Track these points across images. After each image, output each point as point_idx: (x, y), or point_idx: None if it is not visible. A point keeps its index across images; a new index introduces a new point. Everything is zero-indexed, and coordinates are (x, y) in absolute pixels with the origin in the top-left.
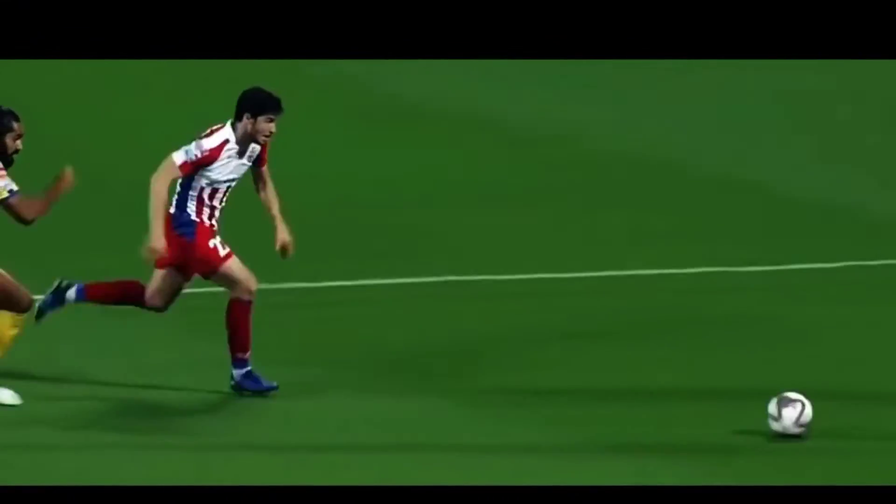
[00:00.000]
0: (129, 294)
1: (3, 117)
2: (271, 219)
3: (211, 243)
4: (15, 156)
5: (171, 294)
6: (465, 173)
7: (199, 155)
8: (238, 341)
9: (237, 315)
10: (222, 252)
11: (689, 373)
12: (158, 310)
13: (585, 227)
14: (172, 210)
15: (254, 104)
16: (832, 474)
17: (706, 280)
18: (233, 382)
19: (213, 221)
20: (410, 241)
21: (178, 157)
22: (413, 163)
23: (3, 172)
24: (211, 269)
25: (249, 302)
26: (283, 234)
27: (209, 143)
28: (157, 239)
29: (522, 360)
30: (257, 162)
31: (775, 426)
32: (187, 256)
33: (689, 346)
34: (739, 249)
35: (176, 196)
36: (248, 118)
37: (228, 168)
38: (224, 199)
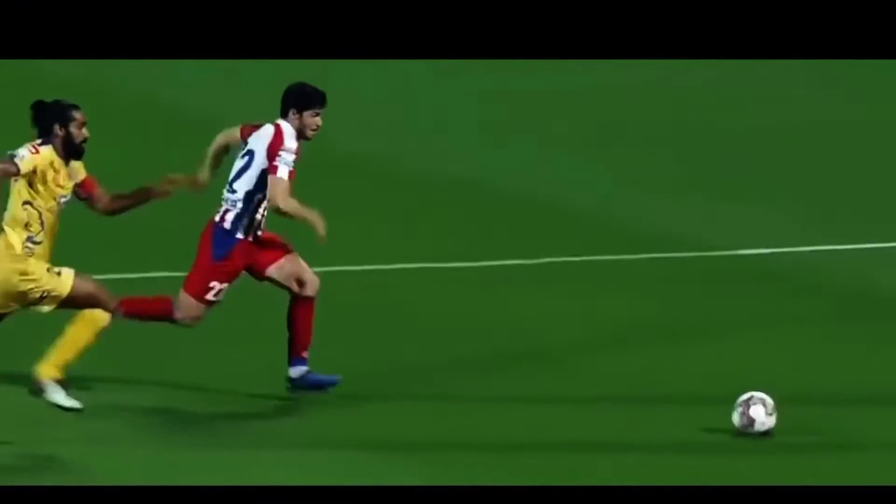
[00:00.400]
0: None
1: (64, 110)
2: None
3: (211, 283)
4: (84, 144)
5: (292, 278)
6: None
7: (294, 158)
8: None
9: (154, 308)
10: (209, 296)
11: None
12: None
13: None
14: (218, 221)
15: (299, 99)
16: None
17: (410, 276)
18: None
19: (259, 233)
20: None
21: (284, 172)
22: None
23: (34, 147)
24: (188, 288)
25: (173, 320)
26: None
27: (291, 142)
28: (316, 217)
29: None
30: None
31: (753, 430)
32: (195, 264)
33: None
34: (446, 245)
35: (231, 205)
36: (293, 114)
37: None
38: (263, 212)
